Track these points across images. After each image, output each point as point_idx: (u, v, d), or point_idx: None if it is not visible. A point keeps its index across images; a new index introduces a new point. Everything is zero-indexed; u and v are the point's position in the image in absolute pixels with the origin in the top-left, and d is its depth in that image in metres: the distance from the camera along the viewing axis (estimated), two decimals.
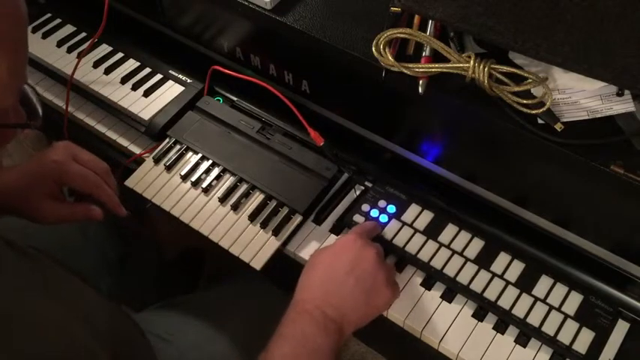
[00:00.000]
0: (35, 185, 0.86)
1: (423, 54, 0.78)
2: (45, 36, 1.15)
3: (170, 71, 1.08)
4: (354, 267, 0.78)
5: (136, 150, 1.02)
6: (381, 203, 0.90)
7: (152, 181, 0.96)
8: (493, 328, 0.80)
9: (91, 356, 0.58)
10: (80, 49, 1.12)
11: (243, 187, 0.93)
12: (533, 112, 0.71)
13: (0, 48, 0.52)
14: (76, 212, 0.88)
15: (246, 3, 0.88)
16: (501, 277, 0.83)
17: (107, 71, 1.08)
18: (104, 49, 1.12)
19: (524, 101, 0.71)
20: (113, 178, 0.92)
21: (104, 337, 0.62)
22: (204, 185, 0.94)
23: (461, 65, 0.73)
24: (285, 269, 0.90)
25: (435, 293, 0.83)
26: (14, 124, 0.61)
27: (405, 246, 0.86)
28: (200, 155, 0.97)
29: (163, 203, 0.93)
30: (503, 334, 0.80)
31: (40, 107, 0.67)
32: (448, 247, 0.86)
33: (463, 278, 0.83)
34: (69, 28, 1.16)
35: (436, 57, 0.76)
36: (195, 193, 0.94)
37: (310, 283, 0.79)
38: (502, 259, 0.84)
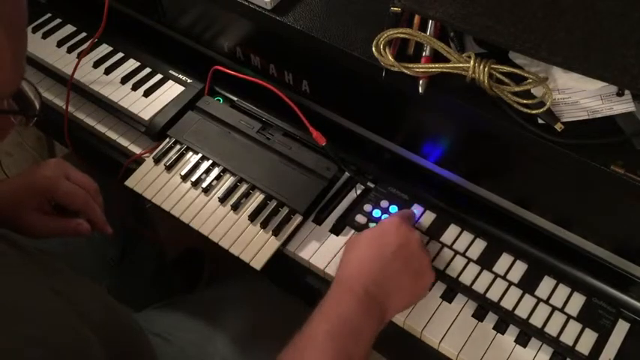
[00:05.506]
0: (26, 199, 0.87)
1: (423, 54, 0.77)
2: (45, 36, 1.14)
3: (170, 71, 1.08)
4: (401, 248, 0.77)
5: (136, 150, 1.02)
6: (384, 203, 0.90)
7: (152, 181, 0.96)
8: (493, 328, 0.80)
9: (88, 346, 0.58)
10: (80, 49, 1.12)
11: (243, 187, 0.93)
12: (533, 112, 0.71)
13: (8, 35, 0.53)
14: (65, 227, 0.89)
15: (246, 3, 0.88)
16: (504, 277, 0.83)
17: (107, 71, 1.08)
18: (104, 49, 1.12)
19: (524, 101, 0.71)
20: (101, 197, 0.93)
21: (101, 331, 0.62)
22: (204, 185, 0.94)
23: (461, 65, 0.73)
24: (285, 269, 0.90)
25: (435, 293, 0.83)
26: (8, 110, 0.61)
27: None
28: (200, 155, 0.97)
29: (163, 203, 0.93)
30: (503, 334, 0.80)
31: (39, 102, 0.68)
32: (450, 247, 0.86)
33: (466, 279, 0.83)
34: (69, 28, 1.16)
35: (436, 57, 0.76)
36: (196, 193, 0.94)
37: (355, 262, 0.77)
38: (505, 260, 0.84)
